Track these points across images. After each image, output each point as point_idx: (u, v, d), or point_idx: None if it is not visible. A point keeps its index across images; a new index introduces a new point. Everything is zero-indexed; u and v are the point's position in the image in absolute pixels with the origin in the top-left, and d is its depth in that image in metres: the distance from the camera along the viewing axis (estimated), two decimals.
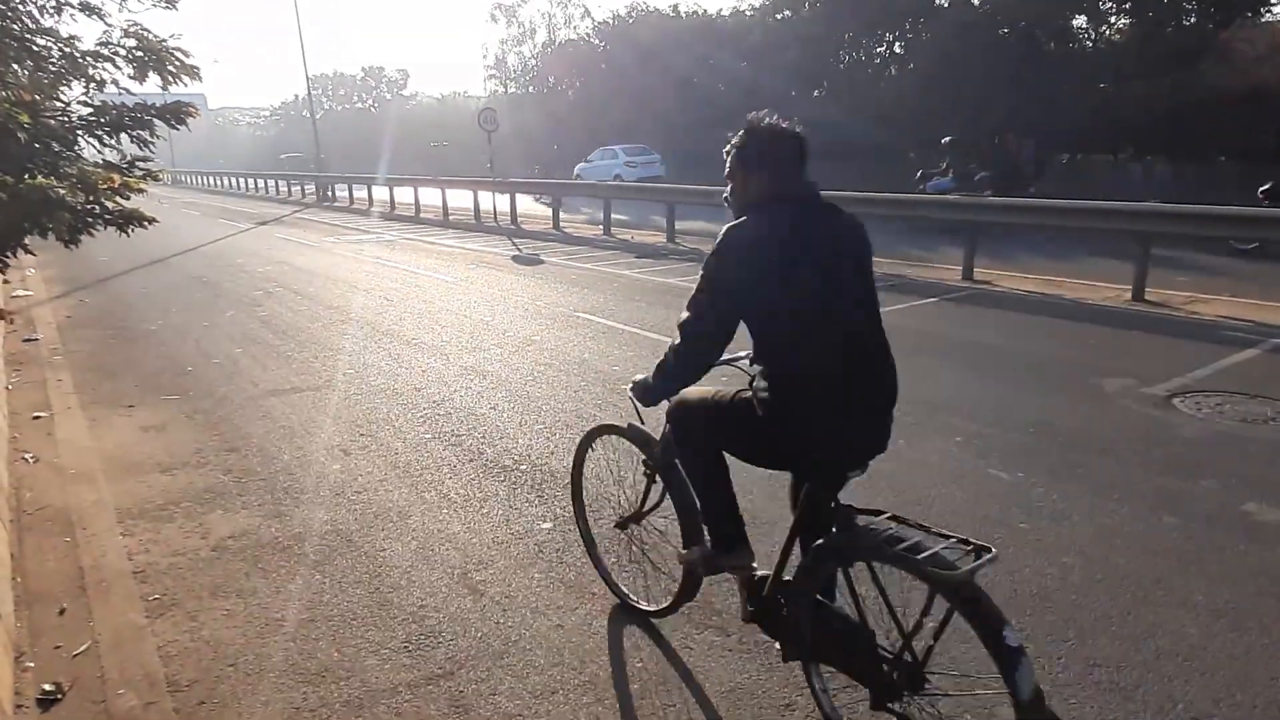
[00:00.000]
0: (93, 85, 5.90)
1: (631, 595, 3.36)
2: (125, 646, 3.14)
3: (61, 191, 4.57)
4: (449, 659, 3.06)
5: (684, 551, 2.97)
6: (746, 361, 2.59)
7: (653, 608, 3.25)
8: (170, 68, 5.75)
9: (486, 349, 7.73)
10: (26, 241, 5.06)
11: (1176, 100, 20.38)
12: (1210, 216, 9.30)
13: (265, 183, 40.78)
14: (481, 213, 21.83)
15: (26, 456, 5.05)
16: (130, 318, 9.70)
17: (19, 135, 4.56)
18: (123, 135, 5.72)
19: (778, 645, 2.70)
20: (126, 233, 5.27)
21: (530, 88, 46.15)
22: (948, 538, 2.18)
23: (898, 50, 31.45)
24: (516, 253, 14.99)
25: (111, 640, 3.18)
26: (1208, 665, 2.95)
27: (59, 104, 5.65)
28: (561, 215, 19.34)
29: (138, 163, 5.58)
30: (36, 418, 5.82)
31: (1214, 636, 3.11)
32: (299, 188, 36.88)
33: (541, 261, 13.73)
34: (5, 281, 10.19)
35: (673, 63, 33.35)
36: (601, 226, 17.78)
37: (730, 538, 2.86)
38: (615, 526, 3.39)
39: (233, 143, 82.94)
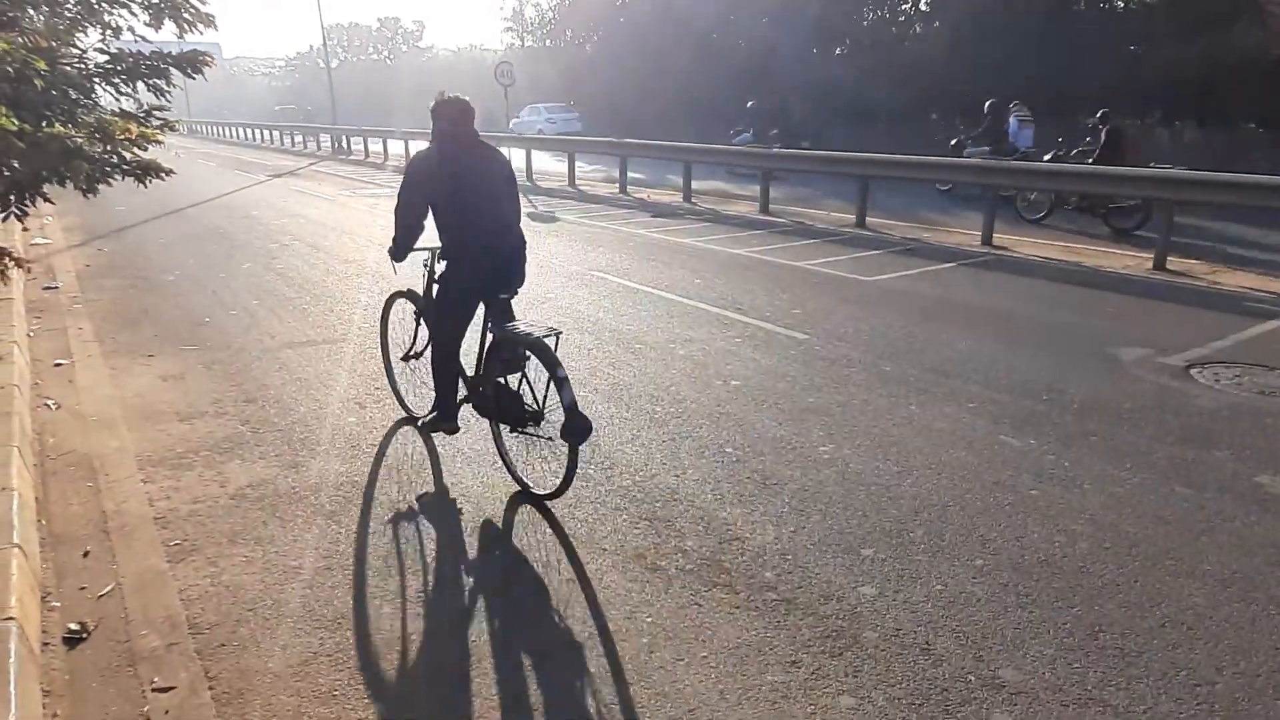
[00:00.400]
0: (109, 32, 5.87)
1: (415, 410, 4.93)
2: (148, 589, 3.22)
3: (80, 140, 4.58)
4: (462, 609, 3.12)
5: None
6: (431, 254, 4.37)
7: (418, 415, 4.82)
8: (185, 15, 5.71)
9: None
10: (45, 190, 5.07)
11: (1207, 65, 19.86)
12: (1237, 185, 9.13)
13: (280, 134, 40.58)
14: None
15: (49, 403, 5.13)
16: (148, 268, 9.75)
17: (36, 82, 4.55)
18: (139, 84, 5.71)
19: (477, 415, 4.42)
20: (144, 184, 5.28)
21: (548, 41, 45.40)
22: (551, 330, 3.83)
23: (923, 7, 30.70)
24: (532, 210, 14.91)
25: (134, 583, 3.26)
26: (1213, 633, 2.98)
27: (75, 51, 5.63)
28: (578, 173, 19.20)
29: (154, 112, 5.56)
30: (58, 365, 5.90)
31: (1220, 605, 3.14)
32: (314, 140, 36.71)
33: (557, 219, 13.67)
34: (24, 229, 10.24)
35: (693, 18, 32.68)
36: (617, 185, 17.65)
37: (448, 409, 4.36)
38: (400, 359, 4.93)
39: (247, 94, 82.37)
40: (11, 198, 4.72)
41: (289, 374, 5.81)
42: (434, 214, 4.00)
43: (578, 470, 3.78)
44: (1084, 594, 3.22)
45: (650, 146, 18.17)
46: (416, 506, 3.92)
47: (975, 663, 2.83)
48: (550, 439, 3.86)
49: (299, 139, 38.01)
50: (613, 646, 2.91)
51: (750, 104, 19.95)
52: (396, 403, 5.06)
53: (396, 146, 28.25)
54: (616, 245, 11.04)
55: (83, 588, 3.23)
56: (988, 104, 14.99)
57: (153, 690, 2.66)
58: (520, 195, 4.28)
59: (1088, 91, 22.51)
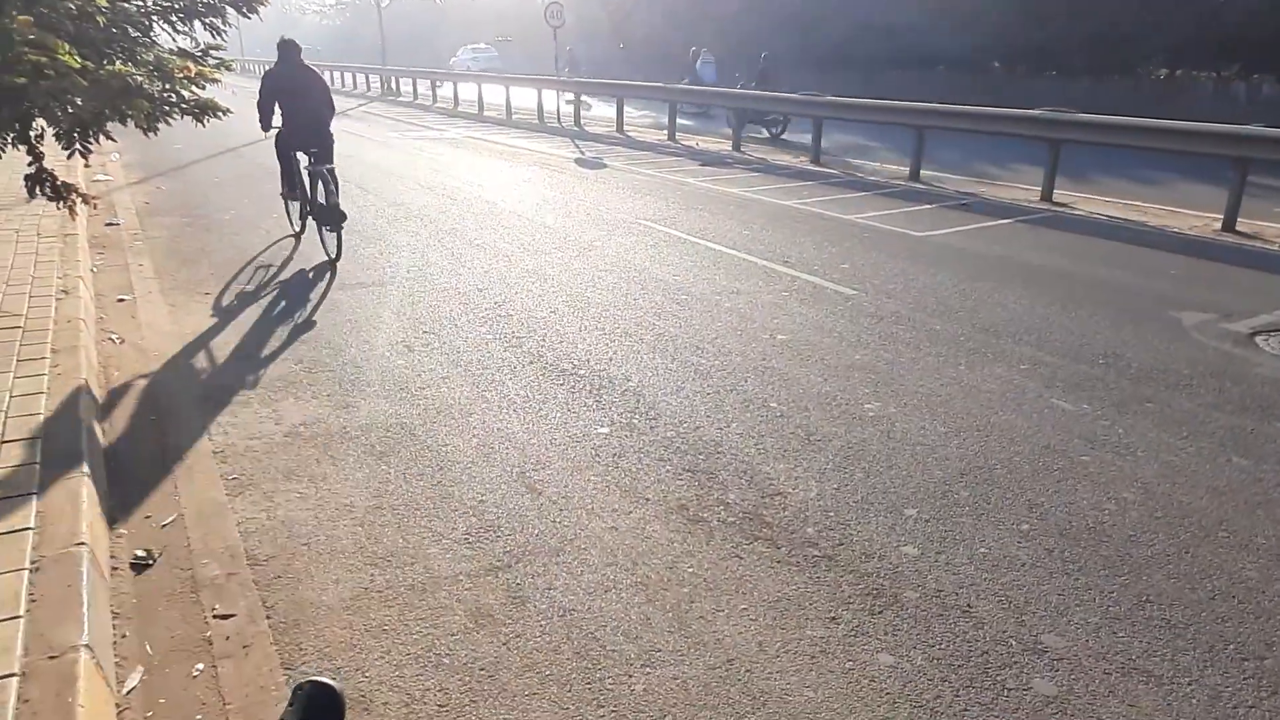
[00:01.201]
0: None
1: (294, 223, 8.37)
2: (208, 521, 3.35)
3: (140, 79, 4.63)
4: (507, 552, 3.20)
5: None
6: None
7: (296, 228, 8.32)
8: None
9: (548, 253, 7.75)
10: (107, 128, 5.16)
11: None
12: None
13: (331, 74, 40.60)
14: (545, 113, 21.50)
15: (113, 337, 5.29)
16: (205, 206, 9.93)
17: (98, 19, 4.59)
18: (196, 23, 5.73)
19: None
20: (202, 122, 5.33)
21: None
22: (330, 167, 7.33)
23: None
24: (580, 156, 14.80)
25: (195, 514, 3.39)
26: (1264, 608, 2.92)
27: None
28: (626, 119, 18.94)
29: (211, 51, 5.59)
30: (121, 300, 6.07)
31: (1274, 580, 3.07)
32: (364, 79, 36.67)
33: (604, 166, 13.55)
34: (87, 166, 10.47)
35: None
36: (666, 132, 17.39)
37: (294, 194, 8.08)
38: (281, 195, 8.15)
39: (299, 32, 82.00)
40: (75, 134, 4.81)
41: (339, 315, 5.91)
42: (279, 105, 7.38)
43: (620, 419, 3.79)
44: (1132, 563, 3.18)
45: (694, 92, 17.82)
46: (463, 449, 3.99)
47: (1017, 627, 2.82)
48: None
49: (349, 78, 38.03)
50: (653, 595, 2.96)
51: (765, 54, 19.57)
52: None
53: (445, 89, 28.09)
54: (664, 194, 10.93)
55: (147, 516, 3.37)
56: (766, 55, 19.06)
57: (214, 617, 2.79)
58: (334, 101, 7.89)
59: (1159, 42, 21.45)
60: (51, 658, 2.24)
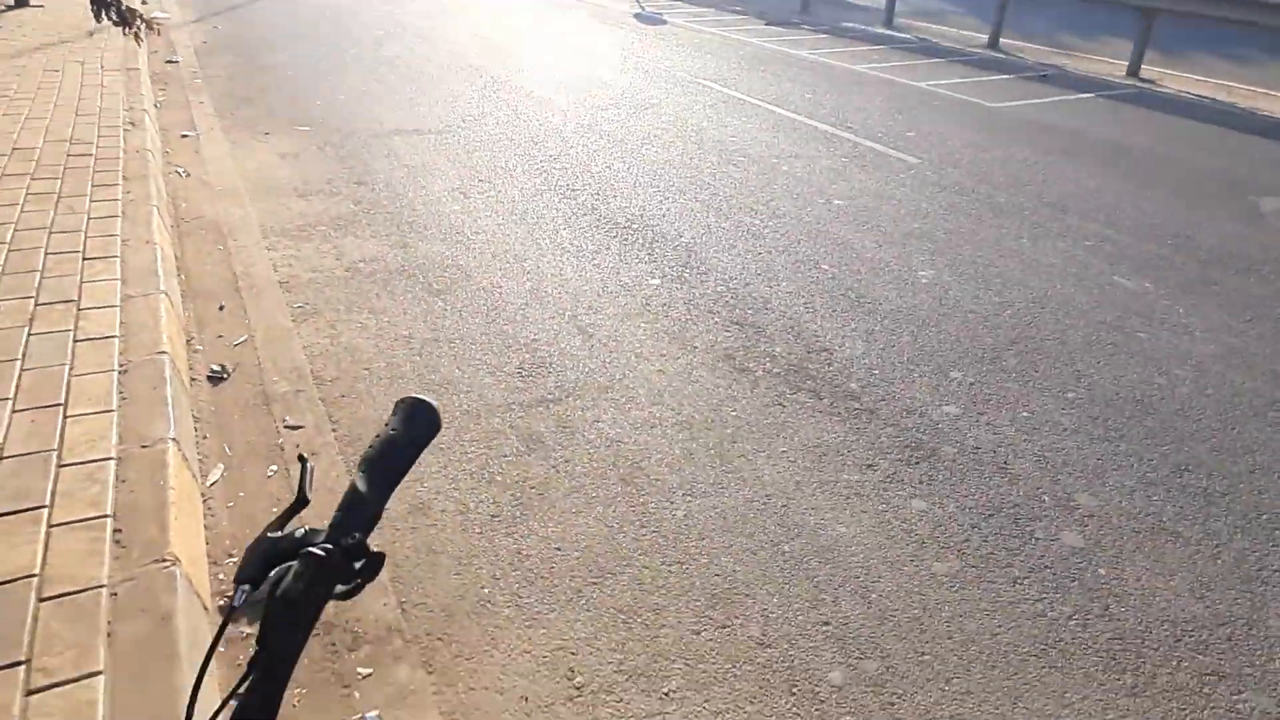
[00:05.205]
0: None
1: None
2: (276, 343, 3.52)
3: None
4: (558, 387, 3.32)
5: None
6: None
7: None
8: None
9: (604, 108, 7.58)
10: None
11: None
12: None
13: None
14: None
15: (179, 170, 5.40)
16: (260, 48, 9.81)
17: None
18: None
19: None
20: None
21: None
22: None
23: None
24: (639, 10, 14.16)
25: (264, 337, 3.56)
26: None
27: None
28: None
29: None
30: (184, 136, 6.14)
31: None
32: None
33: (664, 21, 12.98)
34: (144, 2, 10.36)
35: None
36: None
37: None
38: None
39: None
40: None
41: (396, 160, 5.92)
42: None
43: (671, 272, 3.82)
44: (1176, 435, 3.19)
45: None
46: (517, 291, 4.07)
47: (1052, 485, 2.89)
48: None
49: None
50: (696, 433, 3.07)
51: None
52: None
53: None
54: (725, 53, 10.50)
55: (220, 336, 3.54)
56: None
57: (285, 427, 2.98)
58: None
59: None
60: (144, 447, 2.44)
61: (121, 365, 2.82)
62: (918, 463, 2.98)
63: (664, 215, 5.09)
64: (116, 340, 2.95)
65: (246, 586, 0.73)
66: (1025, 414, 3.28)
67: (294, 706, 1.96)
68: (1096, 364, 3.65)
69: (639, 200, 5.32)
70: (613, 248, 4.61)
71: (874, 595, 2.39)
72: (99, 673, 1.72)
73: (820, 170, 6.04)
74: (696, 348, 3.65)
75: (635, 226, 4.91)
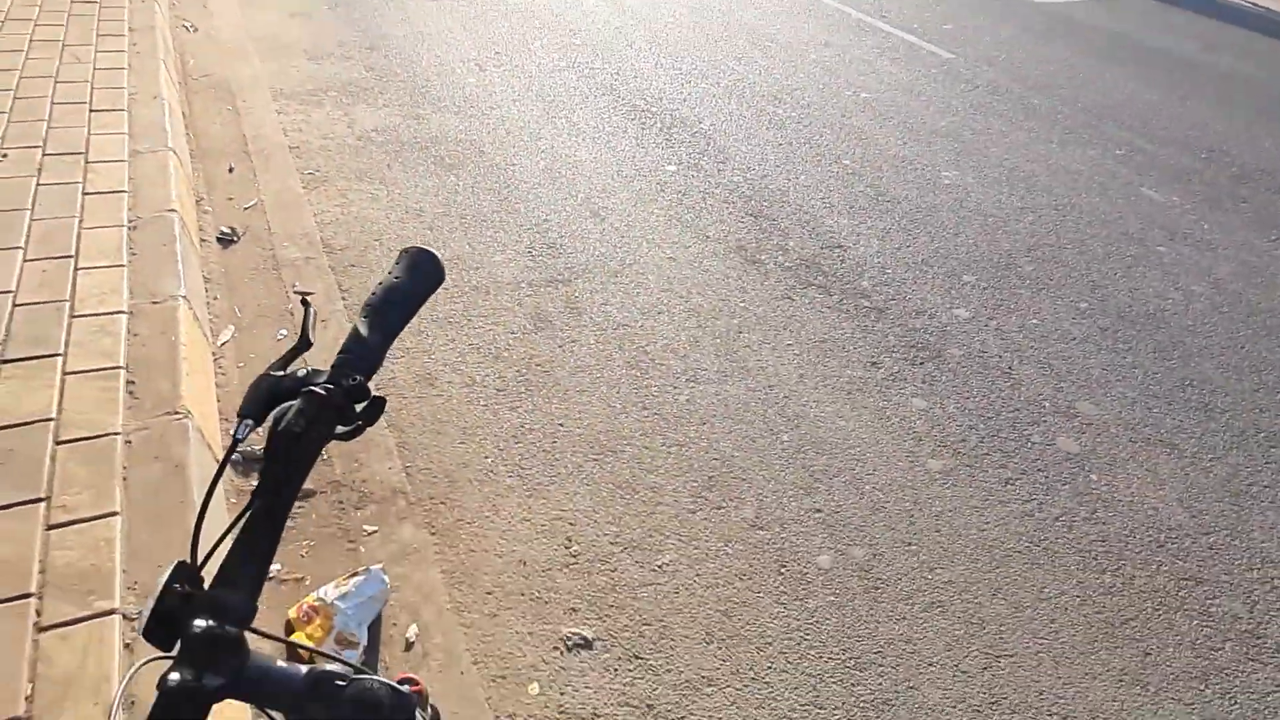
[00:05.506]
0: None
1: None
2: (287, 209, 3.48)
3: None
4: (568, 268, 3.31)
5: None
6: None
7: None
8: None
9: None
10: None
11: None
12: None
13: None
14: None
15: (186, 24, 5.22)
16: None
17: None
18: None
19: None
20: None
21: None
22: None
23: None
24: None
25: (274, 201, 3.52)
26: None
27: None
28: None
29: None
30: None
31: None
32: None
33: None
34: None
35: None
36: None
37: None
38: None
39: None
40: None
41: (410, 27, 5.71)
42: None
43: (688, 159, 3.74)
44: (1184, 351, 3.18)
45: None
46: (530, 170, 3.99)
47: (1054, 392, 2.90)
48: None
49: None
50: (704, 322, 3.07)
51: None
52: None
53: None
54: None
55: (230, 199, 3.51)
56: None
57: (295, 292, 2.98)
58: None
59: None
60: (154, 303, 2.45)
61: (130, 221, 2.80)
62: (922, 363, 2.99)
63: (685, 99, 4.94)
64: (125, 195, 2.93)
65: (249, 421, 0.75)
66: (1035, 321, 3.26)
67: (302, 558, 2.04)
68: (1113, 275, 3.60)
69: (659, 83, 5.15)
70: (630, 131, 4.49)
71: (867, 487, 2.45)
72: (115, 513, 1.79)
73: (850, 61, 5.81)
74: (709, 237, 3.61)
75: (654, 110, 4.77)
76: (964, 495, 2.45)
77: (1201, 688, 1.98)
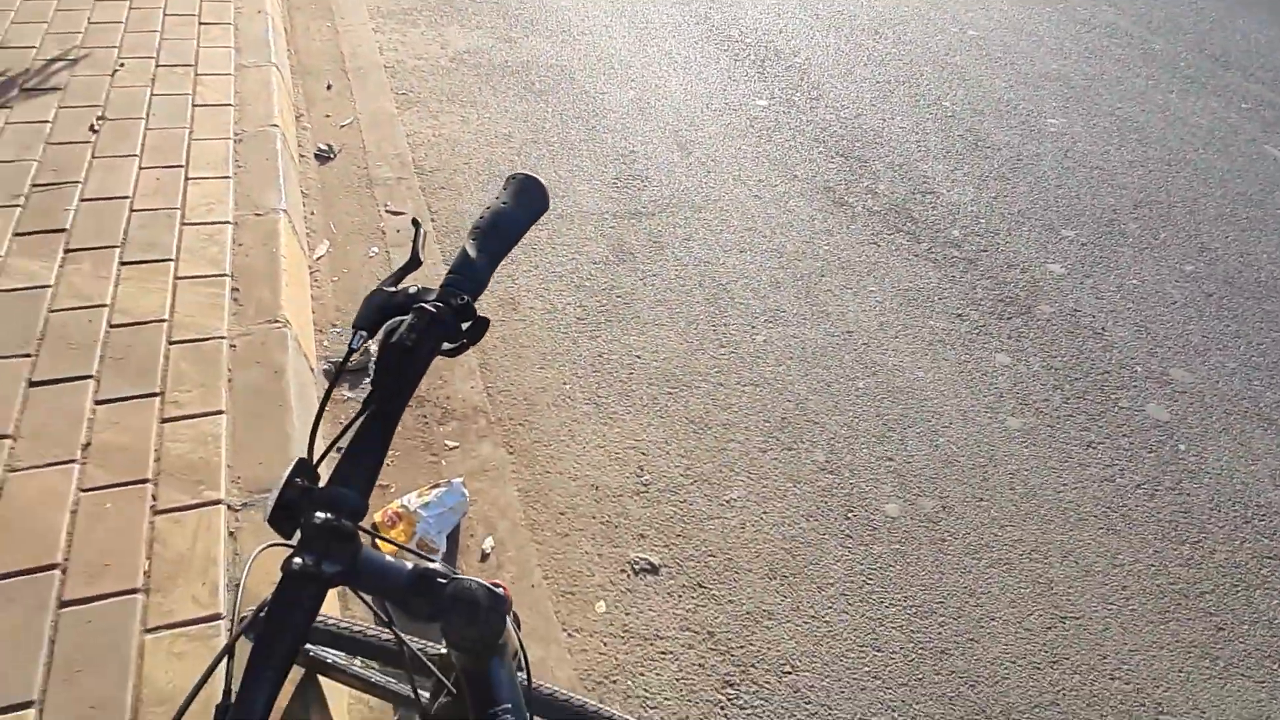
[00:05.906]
0: None
1: None
2: (381, 128, 3.55)
3: None
4: (652, 201, 3.30)
5: None
6: None
7: None
8: None
9: None
10: None
11: None
12: None
13: None
14: None
15: None
16: None
17: None
18: None
19: None
20: None
21: None
22: None
23: None
24: None
25: (369, 120, 3.59)
26: None
27: None
28: None
29: None
30: None
31: None
32: None
33: None
34: None
35: None
36: None
37: None
38: None
39: None
40: None
41: None
42: None
43: (780, 94, 3.64)
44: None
45: None
46: (620, 99, 3.96)
47: (1147, 356, 2.80)
48: None
49: None
50: (786, 263, 3.04)
51: None
52: None
53: None
54: None
55: (327, 116, 3.59)
56: None
57: (387, 211, 3.06)
58: None
59: None
60: (257, 215, 2.56)
61: (236, 134, 2.90)
62: (1010, 318, 2.91)
63: (780, 31, 4.79)
64: (232, 109, 3.03)
65: (364, 332, 0.79)
66: (1135, 281, 3.13)
67: (388, 466, 2.15)
68: (1225, 238, 3.41)
69: (755, 12, 5.00)
70: (722, 62, 4.39)
71: (942, 440, 2.43)
72: (221, 411, 1.91)
73: None
74: (797, 176, 3.54)
75: (748, 41, 4.64)
76: (1042, 455, 2.41)
77: (1275, 666, 1.95)
